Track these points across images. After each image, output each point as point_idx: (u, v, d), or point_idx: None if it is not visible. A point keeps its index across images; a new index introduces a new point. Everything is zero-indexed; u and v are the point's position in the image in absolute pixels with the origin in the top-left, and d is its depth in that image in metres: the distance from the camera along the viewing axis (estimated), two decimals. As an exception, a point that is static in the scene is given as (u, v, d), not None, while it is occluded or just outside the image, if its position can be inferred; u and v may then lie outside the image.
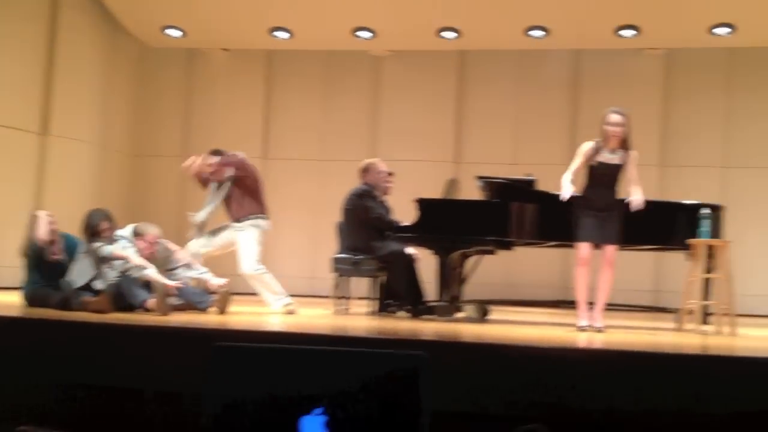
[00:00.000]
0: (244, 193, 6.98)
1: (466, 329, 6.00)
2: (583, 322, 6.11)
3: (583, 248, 6.14)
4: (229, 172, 7.03)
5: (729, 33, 10.07)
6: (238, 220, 6.98)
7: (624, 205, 6.17)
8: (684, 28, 10.11)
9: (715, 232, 6.85)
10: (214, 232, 7.08)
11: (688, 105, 10.78)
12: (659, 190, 10.26)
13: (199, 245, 7.04)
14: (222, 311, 6.34)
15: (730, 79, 10.72)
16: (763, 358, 4.38)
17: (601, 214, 6.09)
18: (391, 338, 4.77)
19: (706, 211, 6.58)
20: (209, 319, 5.89)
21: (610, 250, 6.15)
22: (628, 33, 10.29)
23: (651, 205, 6.22)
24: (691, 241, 6.58)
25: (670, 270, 9.76)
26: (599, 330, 6.02)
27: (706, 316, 6.82)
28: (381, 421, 2.27)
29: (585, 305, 6.17)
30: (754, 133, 10.62)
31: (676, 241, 6.87)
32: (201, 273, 6.68)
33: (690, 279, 6.63)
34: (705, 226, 6.49)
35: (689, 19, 9.88)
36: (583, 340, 5.35)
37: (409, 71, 11.31)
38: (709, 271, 6.55)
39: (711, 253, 6.55)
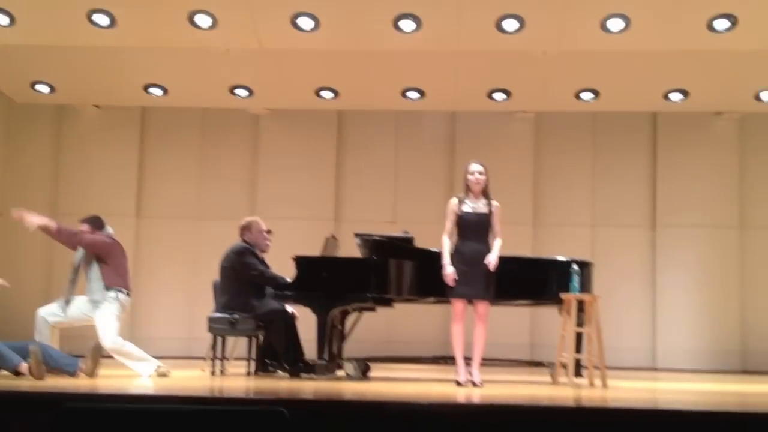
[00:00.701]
0: (105, 265, 6.74)
1: (344, 387, 5.93)
2: (461, 378, 6.16)
3: (457, 304, 6.22)
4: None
5: (593, 99, 10.61)
6: (97, 292, 6.66)
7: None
8: (552, 92, 10.56)
9: (585, 288, 7.10)
10: (70, 303, 6.68)
11: (557, 165, 11.21)
12: (533, 247, 10.58)
13: (49, 312, 6.66)
14: (91, 375, 6.06)
15: (595, 141, 11.23)
16: (634, 409, 4.50)
17: (471, 268, 6.18)
18: (261, 398, 4.65)
19: (575, 267, 6.82)
20: (72, 382, 5.60)
21: (482, 306, 6.25)
22: (499, 97, 10.68)
23: (524, 262, 6.38)
24: (563, 295, 6.78)
25: (546, 324, 10.01)
26: (477, 385, 6.08)
27: (579, 369, 7.01)
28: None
29: (462, 361, 6.24)
30: (618, 192, 11.12)
31: (549, 296, 7.07)
32: None
33: (562, 333, 6.81)
34: (575, 281, 6.72)
35: (556, 84, 10.35)
36: (461, 395, 5.37)
37: (288, 129, 11.30)
38: (580, 325, 6.76)
39: (582, 307, 6.77)
